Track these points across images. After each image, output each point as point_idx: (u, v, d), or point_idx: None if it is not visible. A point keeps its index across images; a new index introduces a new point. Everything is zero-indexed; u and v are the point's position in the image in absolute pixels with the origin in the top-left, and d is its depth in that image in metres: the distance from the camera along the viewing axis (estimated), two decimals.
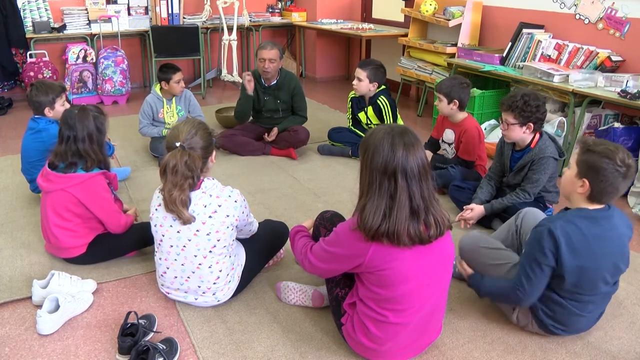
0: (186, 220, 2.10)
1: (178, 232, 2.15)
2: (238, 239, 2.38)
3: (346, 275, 1.97)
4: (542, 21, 4.37)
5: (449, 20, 4.81)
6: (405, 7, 5.64)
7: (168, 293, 2.33)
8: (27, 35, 5.44)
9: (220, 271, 2.21)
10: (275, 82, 4.10)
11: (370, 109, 4.03)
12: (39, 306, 2.23)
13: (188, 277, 2.22)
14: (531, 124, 2.74)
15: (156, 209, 2.20)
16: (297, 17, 6.74)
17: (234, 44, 6.07)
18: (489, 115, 4.47)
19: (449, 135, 3.53)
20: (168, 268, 2.24)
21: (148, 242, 2.55)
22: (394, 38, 5.74)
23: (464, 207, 2.99)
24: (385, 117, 3.95)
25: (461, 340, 2.13)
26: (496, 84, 4.64)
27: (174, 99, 4.05)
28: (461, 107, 3.38)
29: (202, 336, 2.14)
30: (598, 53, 3.85)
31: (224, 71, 6.20)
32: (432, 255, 1.82)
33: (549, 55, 4.14)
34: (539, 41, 4.20)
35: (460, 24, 4.80)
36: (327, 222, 2.18)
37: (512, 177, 2.95)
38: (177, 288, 2.27)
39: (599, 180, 1.87)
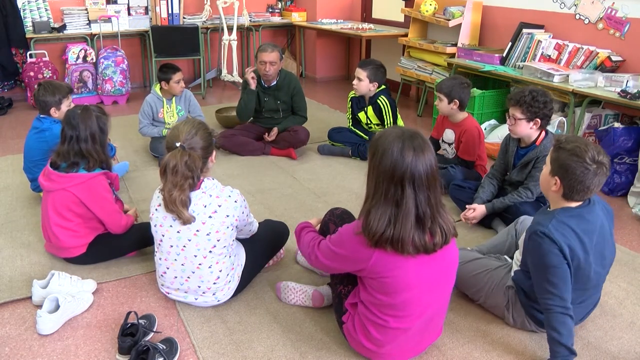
0: (186, 220, 2.10)
1: (178, 232, 2.15)
2: (238, 239, 2.38)
3: (350, 273, 1.97)
4: (542, 21, 4.37)
5: (449, 20, 4.81)
6: (405, 7, 5.64)
7: (168, 293, 2.33)
8: (27, 35, 5.44)
9: (220, 271, 2.21)
10: (275, 82, 4.10)
11: (370, 109, 4.03)
12: (39, 306, 2.23)
13: (188, 277, 2.22)
14: (538, 120, 2.75)
15: (156, 209, 2.20)
16: (297, 17, 6.73)
17: (234, 44, 6.07)
18: (489, 115, 4.47)
19: (449, 135, 3.53)
20: (168, 268, 2.24)
21: (148, 242, 2.55)
22: (394, 38, 5.74)
23: (467, 206, 3.00)
24: (385, 117, 3.95)
25: (461, 340, 2.13)
26: (496, 84, 4.64)
27: (174, 99, 4.04)
28: (461, 107, 3.38)
29: (202, 336, 2.14)
30: (598, 53, 3.85)
31: (224, 71, 6.20)
32: (436, 264, 1.80)
33: (549, 55, 4.14)
34: (539, 41, 4.20)
35: (460, 24, 4.79)
36: (337, 218, 2.18)
37: (515, 174, 2.95)
38: (177, 288, 2.27)
39: (568, 178, 1.89)
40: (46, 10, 5.70)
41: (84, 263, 2.60)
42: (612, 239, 2.08)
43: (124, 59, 5.71)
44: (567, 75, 3.76)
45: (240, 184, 3.61)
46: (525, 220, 2.38)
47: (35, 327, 2.16)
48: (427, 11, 5.06)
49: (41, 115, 3.11)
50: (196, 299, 2.27)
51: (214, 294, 2.25)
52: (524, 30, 4.32)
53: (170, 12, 6.02)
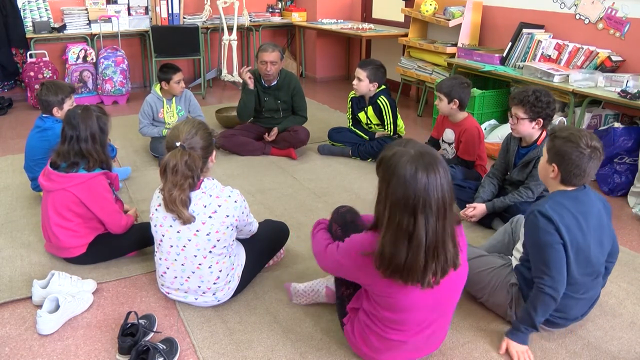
0: (186, 220, 2.10)
1: (178, 232, 2.15)
2: (238, 239, 2.38)
3: None
4: (542, 21, 4.37)
5: (449, 20, 4.81)
6: (405, 7, 5.64)
7: (168, 293, 2.33)
8: (27, 35, 5.44)
9: (220, 271, 2.21)
10: (275, 82, 4.10)
11: (370, 109, 4.03)
12: (39, 306, 2.23)
13: (188, 277, 2.22)
14: (540, 120, 2.76)
15: (156, 209, 2.20)
16: (297, 17, 6.74)
17: (234, 44, 6.07)
18: (489, 115, 4.47)
19: (449, 135, 3.53)
20: (168, 268, 2.24)
21: (148, 242, 2.55)
22: (394, 38, 5.74)
23: (467, 205, 3.01)
24: (385, 117, 3.96)
25: (461, 340, 2.13)
26: (496, 84, 4.64)
27: (174, 99, 4.05)
28: (461, 107, 3.38)
29: (202, 336, 2.14)
30: (598, 53, 3.85)
31: (224, 71, 6.20)
32: (442, 288, 1.77)
33: (549, 55, 4.14)
34: (539, 41, 4.20)
35: (460, 24, 4.80)
36: (340, 218, 2.14)
37: (515, 173, 2.96)
38: (177, 288, 2.28)
39: (565, 163, 1.97)
40: (46, 10, 5.70)
41: (84, 263, 2.60)
42: (611, 232, 2.12)
43: (124, 59, 5.71)
44: (567, 75, 3.76)
45: (240, 184, 3.61)
46: (521, 219, 2.38)
47: (35, 327, 2.16)
48: (427, 11, 5.06)
49: (44, 115, 3.11)
50: (196, 299, 2.27)
51: (214, 294, 2.25)
52: (524, 30, 4.32)
53: (170, 12, 6.02)
